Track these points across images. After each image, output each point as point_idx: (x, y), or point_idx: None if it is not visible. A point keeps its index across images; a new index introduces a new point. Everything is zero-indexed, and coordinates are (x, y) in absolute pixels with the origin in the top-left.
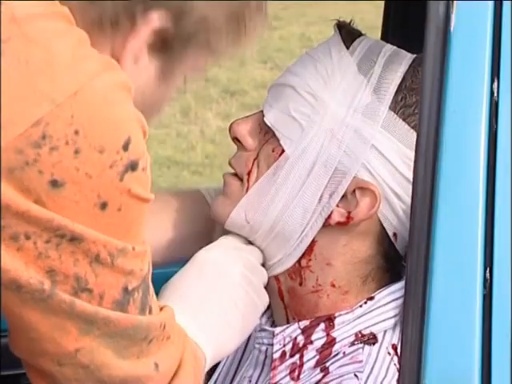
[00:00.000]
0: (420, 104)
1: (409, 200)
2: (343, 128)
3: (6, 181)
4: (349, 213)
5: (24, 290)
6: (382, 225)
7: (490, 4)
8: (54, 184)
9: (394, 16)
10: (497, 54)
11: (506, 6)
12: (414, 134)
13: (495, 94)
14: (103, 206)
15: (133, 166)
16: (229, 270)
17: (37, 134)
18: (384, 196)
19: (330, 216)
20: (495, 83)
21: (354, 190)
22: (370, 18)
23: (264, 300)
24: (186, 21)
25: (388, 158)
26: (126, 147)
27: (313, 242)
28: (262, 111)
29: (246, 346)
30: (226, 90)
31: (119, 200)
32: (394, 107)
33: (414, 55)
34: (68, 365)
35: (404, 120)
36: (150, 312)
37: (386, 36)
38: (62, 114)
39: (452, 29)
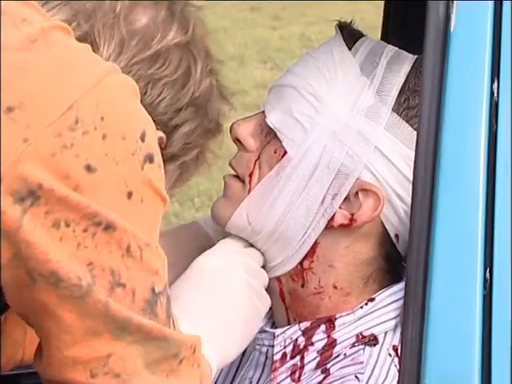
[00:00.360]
0: (420, 104)
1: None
2: (346, 129)
3: (49, 166)
4: (352, 215)
5: (62, 285)
6: (384, 226)
7: (490, 4)
8: (89, 169)
9: (394, 16)
10: (497, 54)
11: (506, 5)
12: None
13: (495, 94)
14: (129, 194)
15: (150, 158)
16: (229, 275)
17: (71, 118)
18: (387, 198)
19: (332, 218)
20: (495, 83)
21: (357, 192)
22: (370, 17)
23: (266, 303)
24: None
25: (391, 159)
26: (142, 138)
27: (315, 243)
28: (263, 112)
29: (246, 348)
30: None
31: (142, 190)
32: (397, 109)
33: (416, 56)
34: (100, 375)
35: (407, 122)
36: (174, 325)
37: (386, 36)
38: (89, 102)
39: (452, 29)
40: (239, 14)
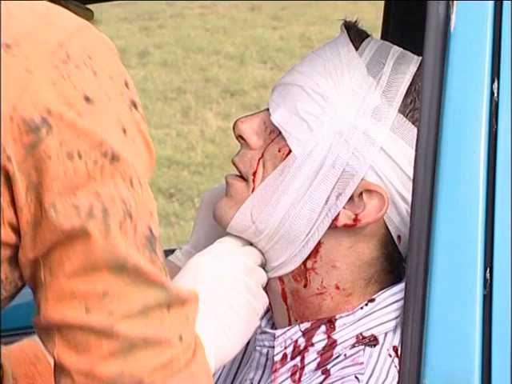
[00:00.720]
0: (420, 104)
1: None
2: (352, 130)
3: (53, 93)
4: (356, 215)
5: (78, 214)
6: (386, 227)
7: (490, 4)
8: (87, 99)
9: (393, 16)
10: (497, 53)
11: (506, 5)
12: None
13: (495, 94)
14: (124, 131)
15: (135, 105)
16: (223, 274)
17: (63, 54)
18: (391, 199)
19: (336, 218)
20: (495, 83)
21: (362, 193)
22: (370, 17)
23: (262, 302)
24: None
25: (396, 160)
26: (126, 85)
27: (318, 243)
28: (267, 109)
29: (246, 349)
30: (226, 90)
31: (133, 131)
32: (403, 110)
33: (421, 57)
34: (95, 312)
35: (413, 123)
36: (168, 279)
37: (386, 36)
38: (76, 42)
39: (452, 29)
40: (239, 14)
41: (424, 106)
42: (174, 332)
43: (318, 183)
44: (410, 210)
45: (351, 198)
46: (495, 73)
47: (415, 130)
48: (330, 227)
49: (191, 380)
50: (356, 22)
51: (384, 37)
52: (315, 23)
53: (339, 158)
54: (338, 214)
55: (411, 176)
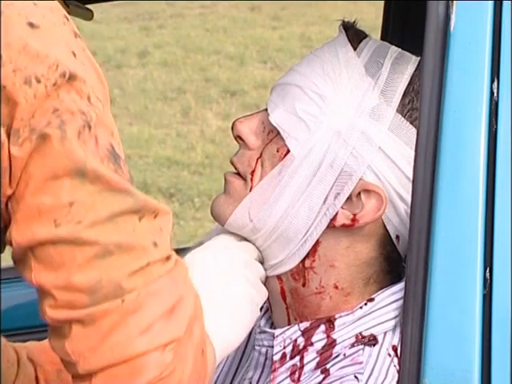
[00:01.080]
0: (420, 104)
1: None
2: (350, 130)
3: None
4: (354, 215)
5: (34, 131)
6: (385, 227)
7: (490, 4)
8: (32, 25)
9: (393, 16)
10: (497, 54)
11: (505, 5)
12: None
13: (495, 94)
14: (74, 54)
15: (78, 35)
16: (222, 267)
17: None
18: (389, 199)
19: (335, 218)
20: (495, 83)
21: (360, 193)
22: (370, 17)
23: (262, 294)
24: None
25: (394, 160)
26: (66, 17)
27: (317, 243)
28: (265, 110)
29: (245, 348)
30: (226, 90)
31: (81, 54)
32: (402, 110)
33: (419, 57)
34: (63, 224)
35: (411, 123)
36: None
37: (386, 36)
38: None
39: (452, 29)
40: (239, 14)
41: (424, 106)
42: (148, 239)
43: (316, 183)
44: (408, 210)
45: (349, 198)
46: (495, 72)
47: (413, 129)
48: (328, 227)
49: (173, 285)
50: (354, 22)
51: (384, 37)
52: (315, 23)
53: (337, 157)
54: (336, 214)
55: (410, 176)
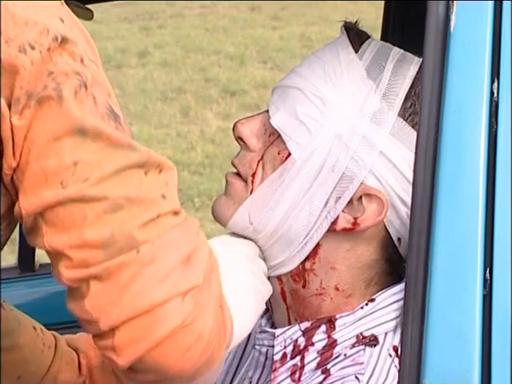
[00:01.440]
0: (420, 104)
1: None
2: (351, 133)
3: None
4: (355, 219)
5: (33, 97)
6: (386, 230)
7: (490, 4)
8: None
9: (393, 16)
10: (497, 53)
11: (506, 5)
12: None
13: (495, 94)
14: (62, 20)
15: (62, 3)
16: (228, 260)
17: None
18: (390, 202)
19: (336, 222)
20: (495, 83)
21: (361, 197)
22: (370, 17)
23: (267, 287)
24: None
25: (396, 164)
26: None
27: (317, 245)
28: (267, 111)
29: (245, 347)
30: (226, 90)
31: (69, 20)
32: (403, 114)
33: (421, 59)
34: (70, 184)
35: (413, 127)
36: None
37: (386, 36)
38: None
39: (452, 29)
40: (239, 14)
41: (424, 106)
42: (156, 192)
43: (317, 186)
44: (409, 213)
45: (351, 202)
46: (495, 73)
47: (415, 133)
48: (329, 230)
49: (186, 236)
50: (356, 22)
51: (384, 37)
52: (315, 23)
53: (338, 161)
54: (338, 218)
55: (411, 180)
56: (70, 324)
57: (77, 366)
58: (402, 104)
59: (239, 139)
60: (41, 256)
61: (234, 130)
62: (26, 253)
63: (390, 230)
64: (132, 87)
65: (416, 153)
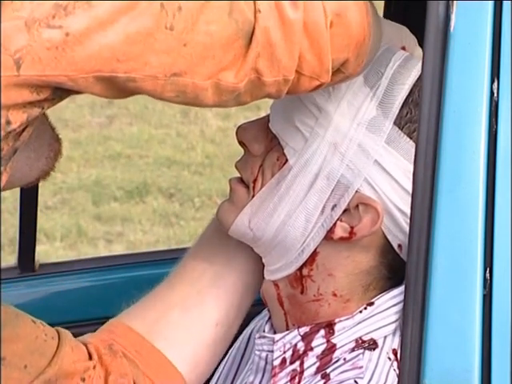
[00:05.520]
0: (420, 104)
1: None
2: (346, 142)
3: None
4: (352, 228)
5: None
6: (385, 237)
7: (490, 4)
8: None
9: (394, 16)
10: (497, 54)
11: (506, 5)
12: None
13: (495, 94)
14: None
15: None
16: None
17: None
18: (387, 211)
19: (333, 230)
20: (495, 83)
21: (358, 205)
22: None
23: None
24: None
25: (391, 173)
26: None
27: (315, 252)
28: (268, 115)
29: (244, 351)
30: None
31: None
32: (399, 122)
33: None
34: None
35: (408, 135)
36: None
37: None
38: None
39: (452, 29)
40: None
41: (424, 106)
42: None
43: (313, 194)
44: (408, 221)
45: (348, 210)
46: (495, 73)
47: (411, 142)
48: (326, 239)
49: None
50: None
51: None
52: None
53: (333, 169)
54: (335, 226)
55: (407, 188)
56: (71, 324)
57: (85, 352)
58: (399, 112)
59: (242, 143)
60: (41, 256)
61: (236, 134)
62: (26, 253)
63: (389, 238)
64: None
65: (416, 152)
